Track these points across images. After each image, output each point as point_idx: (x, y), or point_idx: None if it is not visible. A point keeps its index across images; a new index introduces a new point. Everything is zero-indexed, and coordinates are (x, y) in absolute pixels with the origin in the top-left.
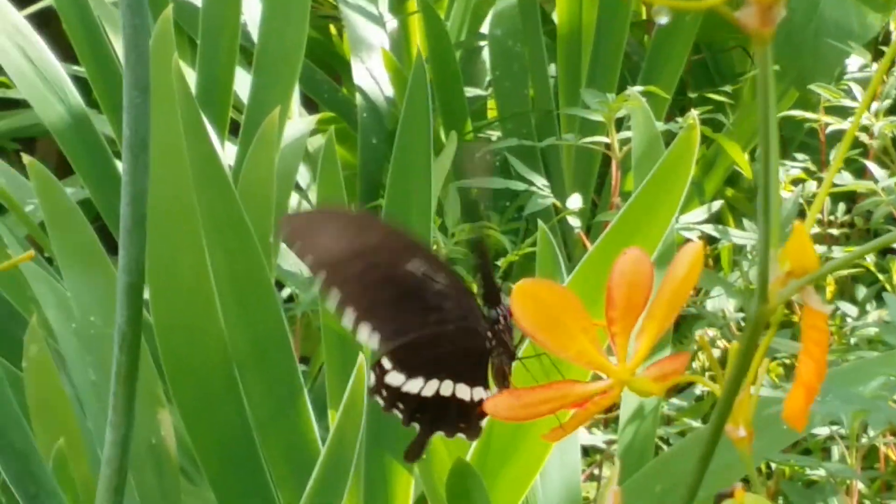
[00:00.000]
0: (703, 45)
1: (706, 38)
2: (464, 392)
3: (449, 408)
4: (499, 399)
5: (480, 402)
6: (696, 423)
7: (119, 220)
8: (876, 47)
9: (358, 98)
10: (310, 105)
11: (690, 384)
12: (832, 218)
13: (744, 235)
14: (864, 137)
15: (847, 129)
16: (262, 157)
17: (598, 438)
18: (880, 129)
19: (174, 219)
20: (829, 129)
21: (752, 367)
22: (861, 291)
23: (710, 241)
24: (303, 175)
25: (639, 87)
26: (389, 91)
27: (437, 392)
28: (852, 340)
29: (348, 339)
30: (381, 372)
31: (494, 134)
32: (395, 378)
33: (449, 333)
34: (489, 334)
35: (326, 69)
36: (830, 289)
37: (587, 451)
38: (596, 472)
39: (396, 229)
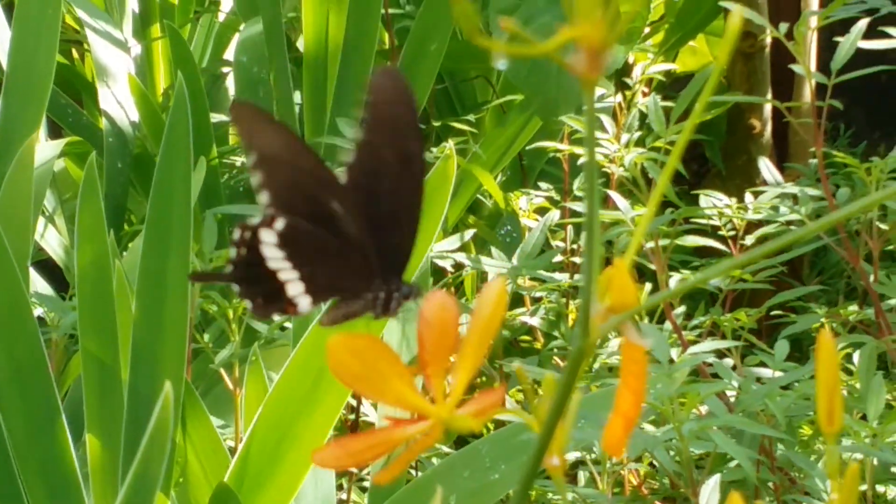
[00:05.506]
0: (446, 75)
1: (449, 68)
2: (296, 289)
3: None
4: (325, 450)
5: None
6: (447, 448)
7: None
8: (619, 79)
9: (104, 123)
10: (52, 128)
11: None
12: (574, 247)
13: (495, 264)
14: (606, 168)
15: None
16: (21, 181)
17: None
18: (631, 160)
19: None
20: (581, 161)
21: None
22: None
23: (455, 267)
24: (48, 199)
25: None
26: (135, 116)
27: (277, 273)
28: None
29: (107, 363)
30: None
31: (238, 160)
32: (267, 235)
33: (339, 257)
34: (381, 294)
35: (69, 93)
36: (572, 316)
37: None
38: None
39: (327, 167)
